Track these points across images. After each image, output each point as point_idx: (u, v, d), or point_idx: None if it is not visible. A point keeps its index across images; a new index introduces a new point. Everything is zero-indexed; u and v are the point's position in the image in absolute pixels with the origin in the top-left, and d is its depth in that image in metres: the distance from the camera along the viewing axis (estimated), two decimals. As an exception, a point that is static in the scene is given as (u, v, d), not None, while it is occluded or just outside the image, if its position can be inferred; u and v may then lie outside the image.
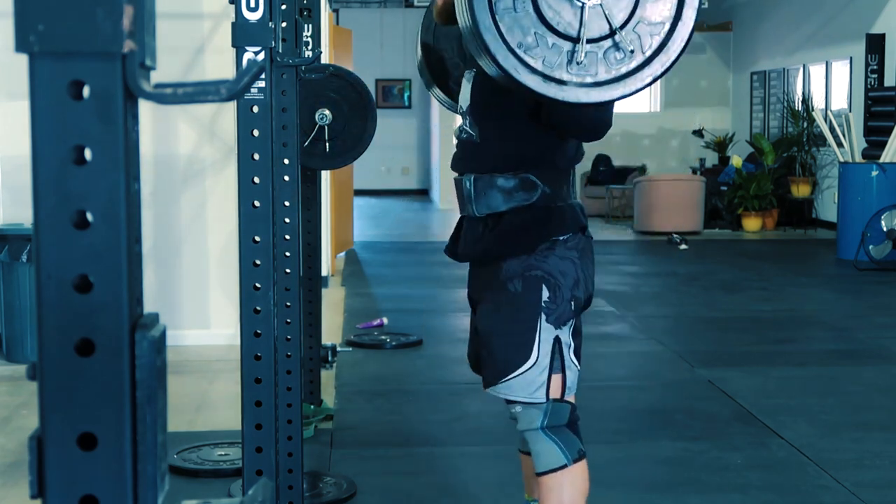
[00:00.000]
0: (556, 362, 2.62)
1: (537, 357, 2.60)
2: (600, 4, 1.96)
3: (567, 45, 1.98)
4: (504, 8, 1.98)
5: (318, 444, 4.49)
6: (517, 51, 1.98)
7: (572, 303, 2.63)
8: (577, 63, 1.98)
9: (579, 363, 2.70)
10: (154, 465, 0.78)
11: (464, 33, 2.11)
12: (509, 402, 2.67)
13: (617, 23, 1.99)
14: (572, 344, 2.66)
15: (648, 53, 2.01)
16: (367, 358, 6.14)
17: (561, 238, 2.64)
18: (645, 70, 2.01)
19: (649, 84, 2.04)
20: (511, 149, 2.63)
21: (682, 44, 2.01)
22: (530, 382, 2.61)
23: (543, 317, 2.61)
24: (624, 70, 2.01)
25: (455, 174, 2.79)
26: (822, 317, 7.63)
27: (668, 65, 2.01)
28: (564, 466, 2.60)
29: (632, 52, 2.00)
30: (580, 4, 1.96)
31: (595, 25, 1.97)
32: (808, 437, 4.61)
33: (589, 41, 1.97)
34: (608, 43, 1.99)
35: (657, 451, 4.44)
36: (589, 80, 2.00)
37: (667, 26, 2.00)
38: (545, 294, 2.61)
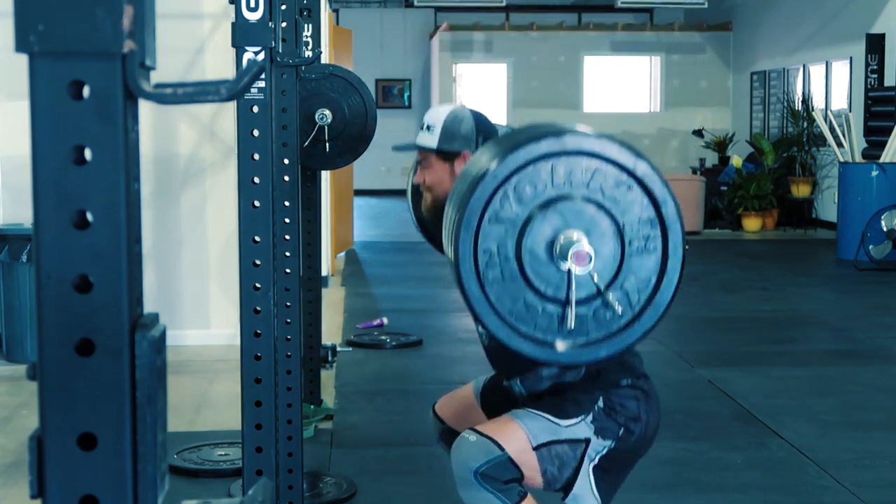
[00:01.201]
0: (573, 460, 2.51)
1: (567, 426, 2.50)
2: (589, 271, 1.98)
3: (557, 309, 2.01)
4: (493, 278, 2.01)
5: (318, 444, 4.49)
6: (508, 318, 2.02)
7: (622, 429, 2.54)
8: (569, 330, 2.01)
9: (601, 499, 2.54)
10: (154, 465, 0.78)
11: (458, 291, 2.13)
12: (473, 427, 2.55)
13: (604, 283, 2.01)
14: (599, 458, 2.53)
15: (637, 309, 2.03)
16: (367, 358, 6.14)
17: (621, 384, 2.58)
18: (635, 325, 2.04)
19: (640, 339, 2.05)
20: None
21: (670, 295, 2.03)
22: (547, 431, 2.50)
23: (591, 416, 2.53)
24: (615, 327, 2.03)
25: (500, 376, 2.77)
26: (822, 317, 7.63)
27: (657, 318, 2.04)
28: None
29: (620, 312, 2.02)
30: (566, 269, 1.98)
31: (583, 287, 2.00)
32: (808, 437, 4.61)
33: (578, 302, 2.00)
34: (597, 302, 2.02)
35: (657, 451, 4.42)
36: (581, 340, 2.03)
37: (653, 280, 2.03)
38: (601, 403, 2.54)
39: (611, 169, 2.00)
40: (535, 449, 2.49)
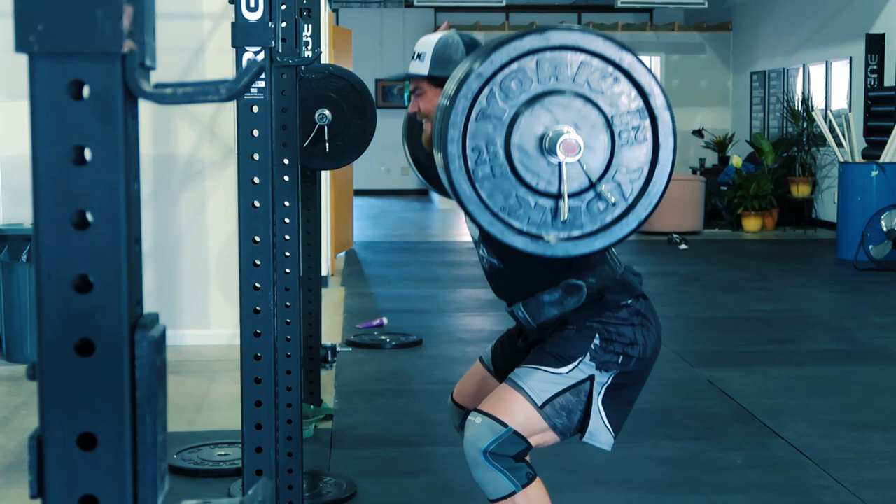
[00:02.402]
0: (583, 396, 2.56)
1: (567, 372, 2.55)
2: (577, 160, 1.98)
3: (549, 203, 2.01)
4: (483, 175, 2.00)
5: (318, 444, 4.49)
6: (501, 214, 2.01)
7: (621, 357, 2.59)
8: (563, 221, 2.01)
9: (613, 428, 2.61)
10: (154, 465, 0.78)
11: (449, 193, 2.13)
12: (478, 408, 2.57)
13: (595, 175, 2.01)
14: (605, 389, 2.58)
15: (631, 199, 2.03)
16: (367, 358, 6.14)
17: (621, 304, 2.62)
18: (630, 216, 2.03)
19: (635, 229, 2.06)
20: (538, 267, 2.61)
21: (663, 185, 2.03)
22: (547, 386, 2.54)
23: (588, 356, 2.57)
24: (609, 219, 2.03)
25: (503, 301, 2.80)
26: (822, 317, 7.63)
27: (650, 208, 2.04)
28: (514, 493, 2.49)
29: (614, 204, 2.02)
30: (557, 163, 1.98)
31: (575, 180, 2.00)
32: (808, 437, 4.62)
33: (570, 195, 2.00)
34: (590, 195, 2.02)
35: (657, 451, 4.44)
36: (576, 233, 2.02)
37: (645, 171, 2.03)
38: (597, 339, 2.58)
39: (596, 62, 1.99)
40: (541, 408, 2.53)
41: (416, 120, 2.88)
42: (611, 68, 2.00)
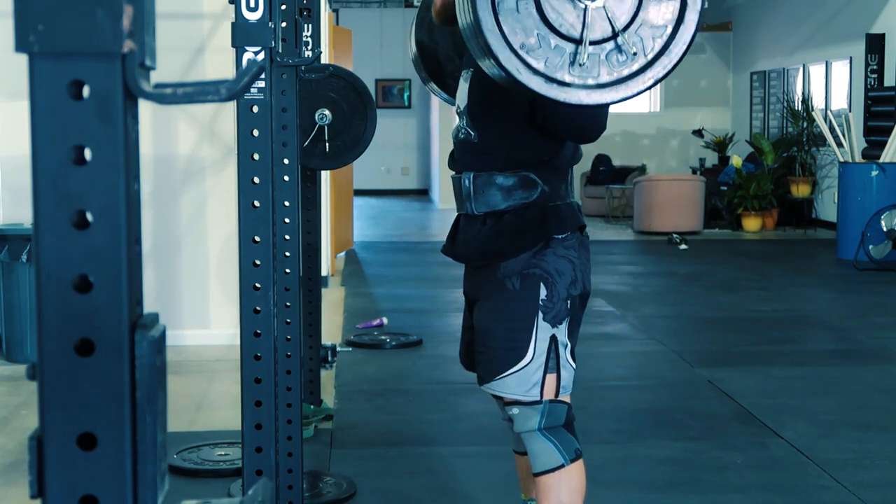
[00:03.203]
0: (552, 361, 2.62)
1: (533, 355, 2.61)
2: (603, 7, 1.96)
3: (569, 47, 1.98)
4: (507, 9, 1.97)
5: (318, 444, 4.49)
6: (520, 52, 1.98)
7: (568, 301, 2.64)
8: (580, 65, 1.98)
9: (575, 363, 2.70)
10: (154, 465, 0.78)
11: (464, 33, 2.10)
12: (507, 403, 2.66)
13: (619, 25, 1.98)
14: (569, 344, 2.66)
15: (651, 56, 2.01)
16: (367, 358, 6.14)
17: (559, 237, 2.65)
18: (647, 72, 2.01)
19: (651, 86, 2.04)
20: (510, 148, 2.63)
21: (685, 46, 2.01)
22: (526, 380, 2.61)
23: (541, 315, 2.61)
24: (626, 72, 2.01)
25: (452, 172, 2.79)
26: (822, 317, 7.63)
27: (670, 67, 2.02)
28: (562, 466, 2.60)
29: (634, 54, 2.00)
30: (583, 6, 1.96)
31: (598, 27, 1.97)
32: (808, 437, 4.62)
33: (591, 43, 1.97)
34: (610, 45, 1.99)
35: (657, 451, 4.44)
36: (591, 81, 1.99)
37: (669, 29, 2.01)
38: (543, 292, 2.61)
39: None
40: (546, 370, 2.61)
41: (429, 7, 2.87)
42: None
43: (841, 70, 12.85)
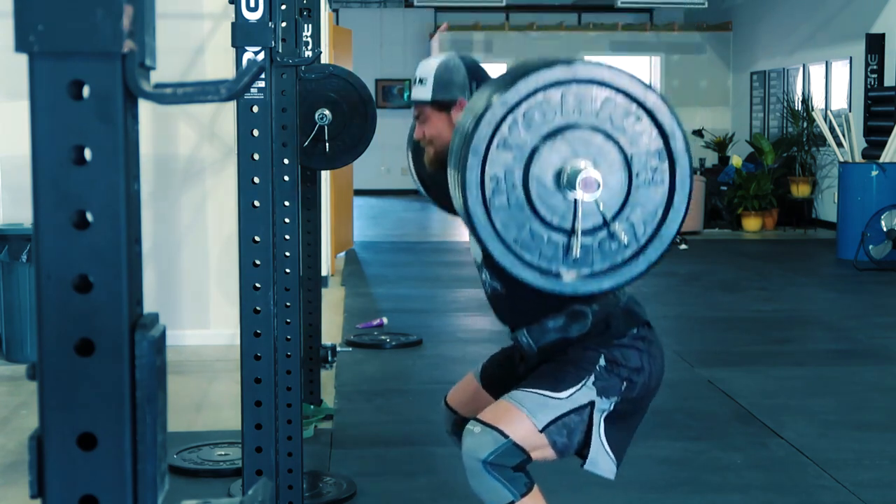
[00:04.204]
0: (580, 423, 2.52)
1: (567, 397, 2.51)
2: (594, 199, 1.97)
3: (562, 239, 2.00)
4: (499, 205, 1.99)
5: (318, 444, 4.49)
6: (513, 246, 2.00)
7: (625, 383, 2.55)
8: (574, 259, 1.99)
9: (615, 456, 2.57)
10: (154, 465, 0.78)
11: (460, 216, 2.10)
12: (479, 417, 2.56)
13: (610, 213, 2.00)
14: (606, 415, 2.54)
15: (643, 241, 2.02)
16: (367, 358, 6.14)
17: (627, 334, 2.59)
18: (640, 258, 2.02)
19: (645, 272, 2.04)
20: (540, 291, 2.61)
21: (676, 228, 2.02)
22: (548, 410, 2.51)
23: (591, 379, 2.53)
24: (619, 259, 2.02)
25: (506, 327, 2.78)
26: (822, 317, 7.63)
27: (662, 250, 2.02)
28: (512, 502, 2.47)
29: (626, 242, 2.01)
30: (573, 199, 1.97)
31: (589, 217, 1.99)
32: (808, 437, 4.61)
33: (583, 233, 1.99)
34: (603, 233, 2.00)
35: (657, 451, 4.44)
36: (586, 271, 2.01)
37: (660, 213, 2.02)
38: (602, 361, 2.54)
39: (621, 99, 1.98)
40: (542, 430, 2.50)
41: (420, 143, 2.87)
42: (634, 106, 1.98)
43: (841, 70, 12.85)
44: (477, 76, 2.71)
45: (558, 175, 1.98)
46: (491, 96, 1.99)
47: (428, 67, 2.71)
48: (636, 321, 2.61)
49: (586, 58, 2.08)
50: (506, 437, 2.47)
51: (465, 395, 2.90)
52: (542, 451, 2.52)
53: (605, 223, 2.00)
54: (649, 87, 1.99)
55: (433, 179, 2.88)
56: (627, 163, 1.99)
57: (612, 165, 1.99)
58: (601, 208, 1.98)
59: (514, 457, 2.48)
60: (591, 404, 2.53)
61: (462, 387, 2.94)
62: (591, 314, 2.57)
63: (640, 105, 1.98)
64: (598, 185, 1.95)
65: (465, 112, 2.13)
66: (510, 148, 1.98)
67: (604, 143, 1.98)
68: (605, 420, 2.55)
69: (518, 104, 1.96)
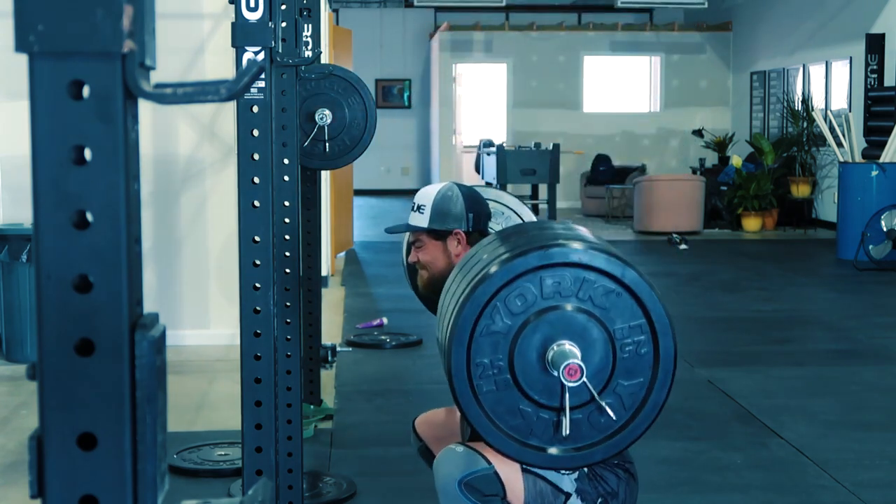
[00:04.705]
0: (554, 500, 2.50)
1: (556, 472, 2.49)
2: (581, 380, 2.01)
3: (552, 416, 2.05)
4: (487, 390, 2.04)
5: (318, 444, 4.49)
6: (504, 428, 2.05)
7: (600, 498, 2.52)
8: (564, 436, 2.04)
9: None
10: (154, 465, 0.78)
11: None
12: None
13: (597, 388, 2.04)
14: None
15: (631, 411, 2.07)
16: (367, 358, 6.14)
17: (607, 462, 2.55)
18: (630, 427, 2.08)
19: (635, 440, 2.09)
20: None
21: (663, 397, 2.07)
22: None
23: (574, 474, 2.51)
24: (610, 430, 2.08)
25: None
26: (822, 317, 7.63)
27: (651, 419, 2.08)
28: None
29: (615, 414, 2.06)
30: (559, 380, 2.01)
31: (576, 394, 2.04)
32: (808, 437, 4.62)
33: (572, 408, 2.04)
34: (591, 407, 2.06)
35: (657, 451, 4.44)
36: (577, 445, 2.07)
37: (646, 383, 2.07)
38: (584, 469, 2.52)
39: (599, 278, 2.03)
40: (524, 471, 2.49)
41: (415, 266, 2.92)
42: (613, 284, 2.03)
43: (841, 70, 12.85)
44: (474, 208, 2.80)
45: (543, 356, 2.03)
46: (472, 281, 2.04)
47: (427, 196, 2.81)
48: (619, 456, 2.59)
49: (573, 230, 2.13)
50: (489, 463, 2.47)
51: (440, 429, 2.91)
52: (514, 495, 2.49)
53: (593, 398, 2.04)
54: (627, 263, 2.03)
55: (427, 299, 2.94)
56: (611, 338, 2.04)
57: (595, 342, 2.04)
58: (589, 387, 2.03)
59: (491, 486, 2.47)
60: (567, 497, 2.52)
61: (438, 420, 2.95)
62: None
63: (619, 282, 2.03)
64: (582, 372, 1.99)
65: (451, 280, 2.18)
66: (493, 334, 2.04)
67: (586, 322, 2.03)
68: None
69: (496, 293, 2.02)
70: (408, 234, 2.94)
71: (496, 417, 2.04)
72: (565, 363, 1.98)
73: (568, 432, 2.03)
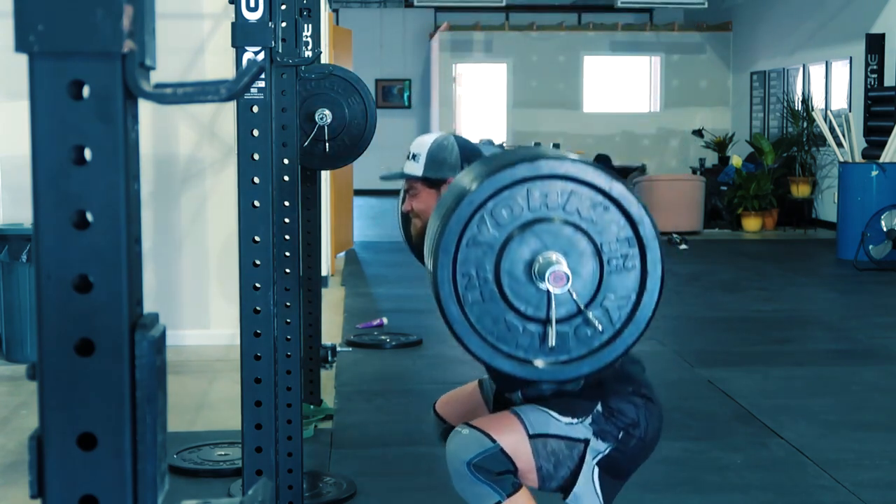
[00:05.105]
0: (569, 458, 2.52)
1: (567, 423, 2.52)
2: (568, 290, 2.00)
3: (538, 328, 2.04)
4: (473, 300, 2.03)
5: (318, 444, 4.49)
6: (489, 339, 2.04)
7: (622, 432, 2.56)
8: (550, 347, 2.03)
9: (604, 498, 2.55)
10: (154, 465, 0.78)
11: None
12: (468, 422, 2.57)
13: (584, 301, 2.03)
14: (600, 457, 2.54)
15: (618, 325, 2.06)
16: (367, 358, 6.14)
17: (622, 392, 2.60)
18: (617, 341, 2.06)
19: (622, 354, 2.07)
20: (534, 386, 2.61)
21: (650, 311, 2.07)
22: (546, 423, 2.51)
23: (589, 419, 2.54)
24: (596, 343, 2.06)
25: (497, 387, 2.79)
26: (822, 317, 7.63)
27: (639, 333, 2.06)
28: (499, 502, 2.47)
29: (601, 328, 2.05)
30: (545, 290, 2.00)
31: (563, 305, 2.03)
32: (808, 437, 4.61)
33: (558, 321, 2.03)
34: (578, 320, 2.05)
35: (657, 451, 4.41)
36: (563, 358, 2.05)
37: (633, 297, 2.06)
38: (598, 407, 2.55)
39: (586, 191, 2.02)
40: (531, 438, 2.50)
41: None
42: (600, 197, 2.02)
43: (841, 70, 12.85)
44: (468, 156, 2.79)
45: (529, 267, 2.02)
46: (459, 193, 2.04)
47: (422, 144, 2.82)
48: (632, 382, 2.63)
49: (560, 152, 2.13)
50: (494, 441, 2.48)
51: (461, 407, 2.90)
52: (525, 466, 2.51)
53: (580, 310, 2.03)
54: (614, 177, 2.03)
55: (420, 249, 2.95)
56: (598, 251, 2.03)
57: (582, 255, 2.03)
58: (575, 297, 2.02)
59: (499, 463, 2.48)
60: (586, 443, 2.53)
61: (458, 398, 2.94)
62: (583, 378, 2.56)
63: (606, 195, 2.03)
64: (568, 278, 1.98)
65: (438, 204, 2.18)
66: (480, 245, 2.02)
67: (573, 234, 2.03)
68: (598, 464, 2.55)
69: (484, 203, 2.00)
70: (403, 182, 2.93)
71: (482, 329, 2.03)
72: (551, 269, 1.97)
73: (554, 343, 2.02)
